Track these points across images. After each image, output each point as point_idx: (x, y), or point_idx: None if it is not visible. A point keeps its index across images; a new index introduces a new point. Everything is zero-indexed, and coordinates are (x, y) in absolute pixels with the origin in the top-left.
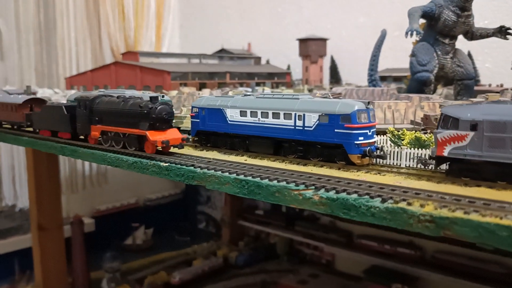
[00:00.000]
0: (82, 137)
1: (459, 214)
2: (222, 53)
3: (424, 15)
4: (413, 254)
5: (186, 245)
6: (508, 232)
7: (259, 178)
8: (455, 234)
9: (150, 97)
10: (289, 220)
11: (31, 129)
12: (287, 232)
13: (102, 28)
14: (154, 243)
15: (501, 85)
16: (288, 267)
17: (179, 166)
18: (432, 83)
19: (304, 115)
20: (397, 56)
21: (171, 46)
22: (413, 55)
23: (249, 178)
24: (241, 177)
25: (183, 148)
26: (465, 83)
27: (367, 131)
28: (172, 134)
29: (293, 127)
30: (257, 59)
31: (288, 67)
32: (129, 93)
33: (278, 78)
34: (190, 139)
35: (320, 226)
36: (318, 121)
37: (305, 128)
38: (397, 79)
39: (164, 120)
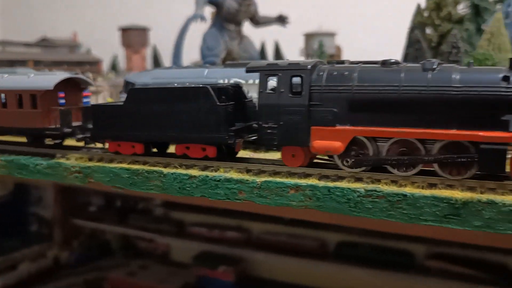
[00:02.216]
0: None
1: (100, 163)
2: (44, 42)
3: (210, 2)
4: (240, 236)
5: (14, 249)
6: (129, 173)
7: None
8: (96, 181)
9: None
10: (122, 215)
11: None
12: (121, 227)
13: None
14: None
15: None
16: (123, 262)
17: None
18: None
19: None
20: None
21: None
22: (203, 41)
23: None
24: None
25: None
26: None
27: None
28: None
29: None
30: (72, 48)
31: (115, 57)
32: None
33: (90, 66)
34: None
35: (153, 218)
36: None
37: None
38: None
39: None
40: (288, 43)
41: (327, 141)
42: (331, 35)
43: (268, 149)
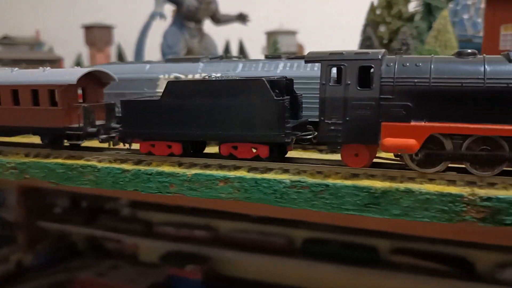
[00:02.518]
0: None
1: (35, 159)
2: (4, 40)
3: (170, 0)
4: (208, 235)
5: None
6: (63, 168)
7: None
8: (31, 177)
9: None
10: (90, 216)
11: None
12: (88, 228)
13: None
14: None
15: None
16: (91, 263)
17: None
18: None
19: None
20: None
21: None
22: (163, 39)
23: None
24: None
25: None
26: None
27: None
28: None
29: None
30: (33, 46)
31: (79, 56)
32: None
33: (51, 64)
34: None
35: (121, 218)
36: None
37: None
38: None
39: None
40: (252, 42)
41: (399, 139)
42: (292, 33)
43: (331, 148)
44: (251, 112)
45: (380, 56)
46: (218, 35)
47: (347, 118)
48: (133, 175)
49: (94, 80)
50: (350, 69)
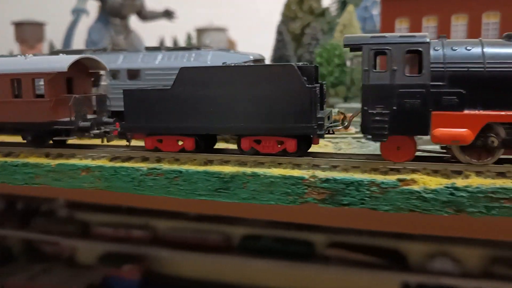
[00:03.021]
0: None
1: None
2: None
3: None
4: (146, 235)
5: None
6: None
7: None
8: None
9: None
10: (24, 218)
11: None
12: (23, 231)
13: None
14: None
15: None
16: (24, 267)
17: None
18: None
19: None
20: None
21: None
22: (88, 35)
23: None
24: None
25: None
26: None
27: None
28: None
29: None
30: None
31: (10, 53)
32: None
33: None
34: None
35: (57, 220)
36: None
37: None
38: None
39: None
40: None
41: (452, 129)
42: (222, 30)
43: (375, 141)
44: (278, 101)
45: (428, 39)
46: (152, 32)
47: (394, 108)
48: (0, 167)
49: (82, 69)
50: (396, 54)
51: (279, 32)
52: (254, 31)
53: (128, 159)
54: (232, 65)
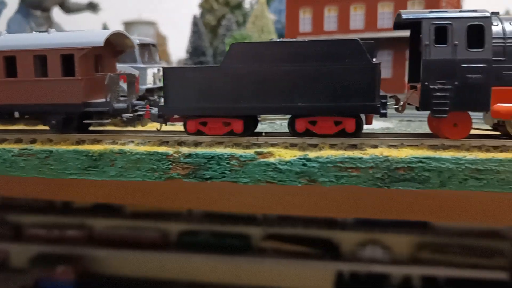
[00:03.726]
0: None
1: None
2: None
3: None
4: (81, 234)
5: None
6: None
7: None
8: None
9: None
10: None
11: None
12: None
13: None
14: None
15: None
16: None
17: None
18: None
19: None
20: None
21: None
22: (7, 27)
23: None
24: None
25: None
26: None
27: None
28: None
29: None
30: None
31: None
32: None
33: None
34: None
35: None
36: None
37: None
38: None
39: None
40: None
41: None
42: (151, 24)
43: (436, 117)
44: (341, 79)
45: (489, 14)
46: (89, 26)
47: (456, 83)
48: None
49: (110, 46)
50: (458, 28)
51: (195, 24)
52: (183, 25)
53: (2, 141)
54: (291, 40)
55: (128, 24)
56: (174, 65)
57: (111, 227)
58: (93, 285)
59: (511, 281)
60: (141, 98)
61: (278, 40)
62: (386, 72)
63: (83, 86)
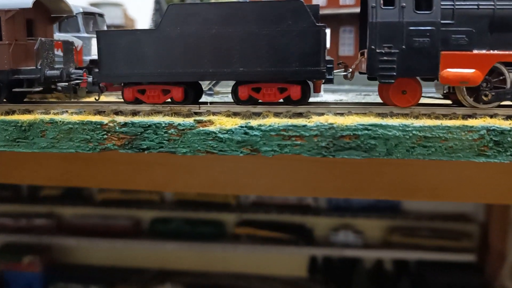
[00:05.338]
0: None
1: None
2: None
3: None
4: (50, 223)
5: None
6: None
7: None
8: None
9: None
10: None
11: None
12: None
13: None
14: None
15: None
16: None
17: None
18: None
19: None
20: None
21: None
22: None
23: None
24: None
25: None
26: None
27: None
28: None
29: None
30: None
31: None
32: None
33: None
34: None
35: None
36: None
37: None
38: None
39: None
40: None
41: (461, 70)
42: (118, 5)
43: (382, 83)
44: (283, 42)
45: None
46: None
47: (403, 47)
48: None
49: (43, 12)
50: None
51: (157, 2)
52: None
53: None
54: (231, 1)
55: (94, 5)
56: None
57: (81, 215)
58: (62, 276)
59: (478, 262)
60: (88, 70)
61: (217, 1)
62: (348, 50)
63: (11, 52)
